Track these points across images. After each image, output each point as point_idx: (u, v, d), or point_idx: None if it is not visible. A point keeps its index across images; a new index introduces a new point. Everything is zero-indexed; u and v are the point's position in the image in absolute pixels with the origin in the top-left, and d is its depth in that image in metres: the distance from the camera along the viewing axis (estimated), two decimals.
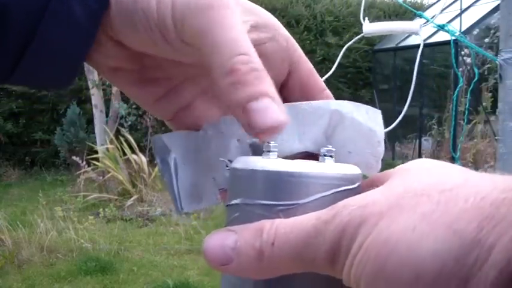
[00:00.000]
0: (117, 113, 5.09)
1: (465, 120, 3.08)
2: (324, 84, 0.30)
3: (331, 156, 0.25)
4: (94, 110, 5.02)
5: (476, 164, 4.76)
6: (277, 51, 0.28)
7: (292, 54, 0.28)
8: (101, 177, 4.78)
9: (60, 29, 0.24)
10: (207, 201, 0.28)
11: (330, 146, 0.25)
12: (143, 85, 0.29)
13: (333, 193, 0.23)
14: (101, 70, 0.29)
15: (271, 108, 0.22)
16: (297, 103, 0.28)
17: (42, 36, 0.24)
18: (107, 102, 5.25)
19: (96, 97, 4.95)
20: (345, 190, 0.23)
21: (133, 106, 6.09)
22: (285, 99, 0.29)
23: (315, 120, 0.27)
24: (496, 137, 2.29)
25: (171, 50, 0.25)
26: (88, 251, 3.40)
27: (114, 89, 5.05)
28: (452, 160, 4.70)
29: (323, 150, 0.25)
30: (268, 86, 0.22)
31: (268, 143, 0.25)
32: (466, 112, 3.41)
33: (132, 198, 4.50)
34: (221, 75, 0.22)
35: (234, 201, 0.24)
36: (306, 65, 0.29)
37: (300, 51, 0.29)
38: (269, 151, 0.24)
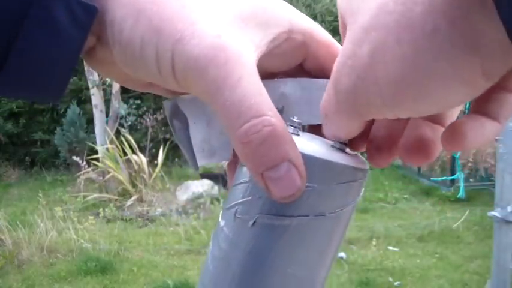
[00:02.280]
0: (117, 113, 5.09)
1: None
2: None
3: (346, 144, 0.25)
4: (94, 110, 5.02)
5: (476, 164, 4.76)
6: (293, 48, 0.26)
7: (309, 45, 0.27)
8: (101, 178, 4.77)
9: (41, 37, 0.22)
10: (220, 157, 0.28)
11: None
12: (150, 88, 0.28)
13: (348, 183, 0.24)
14: (99, 71, 0.28)
15: (288, 176, 0.21)
16: (313, 79, 0.28)
17: (22, 46, 0.22)
18: (107, 102, 5.25)
19: (96, 97, 4.95)
20: (359, 183, 0.25)
21: (133, 106, 6.09)
22: (303, 71, 0.28)
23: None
24: (496, 137, 2.28)
25: (176, 88, 0.24)
26: (88, 251, 3.39)
27: (114, 89, 5.04)
28: (453, 160, 4.70)
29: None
30: (284, 148, 0.21)
31: (293, 118, 0.25)
32: (466, 112, 3.40)
33: (132, 199, 4.50)
34: (234, 143, 0.22)
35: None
36: (324, 49, 0.27)
37: (318, 37, 0.27)
38: (295, 126, 0.25)
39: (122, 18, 0.23)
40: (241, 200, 0.25)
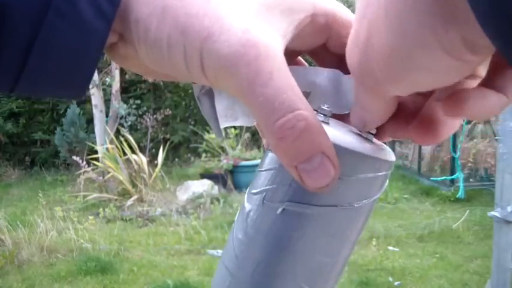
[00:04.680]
0: (117, 113, 5.09)
1: (465, 120, 3.08)
2: None
3: (373, 134, 0.26)
4: (94, 110, 5.02)
5: (476, 164, 4.75)
6: (316, 30, 0.26)
7: (331, 26, 0.26)
8: (101, 177, 4.77)
9: (65, 30, 0.22)
10: (243, 121, 0.28)
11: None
12: (174, 78, 0.28)
13: (375, 174, 0.25)
14: (121, 65, 0.27)
15: (322, 168, 0.22)
16: (336, 70, 0.28)
17: (45, 39, 0.21)
18: (107, 102, 5.25)
19: (96, 97, 4.95)
20: (385, 174, 0.25)
21: (133, 106, 6.09)
22: (326, 50, 0.28)
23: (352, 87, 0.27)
24: (496, 137, 2.29)
25: (206, 84, 0.24)
26: (88, 251, 3.39)
27: (114, 89, 5.05)
28: (453, 160, 4.70)
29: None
30: (317, 140, 0.22)
31: (323, 105, 0.25)
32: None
33: (132, 199, 4.50)
34: (270, 139, 0.22)
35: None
36: (347, 29, 0.27)
37: (340, 17, 0.26)
38: (325, 114, 0.25)
39: (147, 17, 0.22)
40: (270, 187, 0.25)
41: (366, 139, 0.25)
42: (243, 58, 0.21)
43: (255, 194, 0.26)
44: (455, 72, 0.18)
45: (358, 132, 0.26)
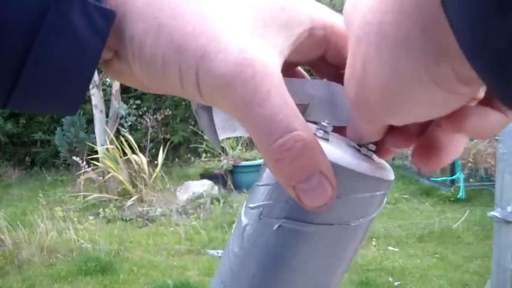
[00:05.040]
0: (117, 113, 5.09)
1: None
2: None
3: (373, 151, 0.26)
4: (94, 110, 5.02)
5: (476, 164, 4.75)
6: (314, 43, 0.26)
7: (329, 38, 0.26)
8: (101, 178, 4.78)
9: (59, 46, 0.21)
10: (241, 132, 0.28)
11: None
12: (169, 92, 0.28)
13: (373, 193, 0.25)
14: (116, 80, 0.27)
15: (320, 187, 0.22)
16: (338, 84, 0.28)
17: (39, 54, 0.21)
18: (107, 102, 5.25)
19: (96, 97, 4.95)
20: (383, 194, 0.25)
21: (133, 106, 6.09)
22: (324, 61, 0.28)
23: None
24: (496, 137, 2.29)
25: (201, 101, 0.24)
26: (88, 251, 3.39)
27: (114, 89, 5.05)
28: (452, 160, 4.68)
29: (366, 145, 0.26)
30: (315, 160, 0.21)
31: (324, 121, 0.25)
32: None
33: (132, 199, 4.50)
34: (267, 159, 0.22)
35: None
36: (345, 41, 0.26)
37: (338, 30, 0.26)
38: (325, 131, 0.25)
39: (142, 34, 0.22)
40: (267, 202, 0.25)
41: (366, 156, 0.25)
42: (240, 77, 0.20)
43: (252, 208, 0.26)
44: (449, 104, 0.19)
45: (358, 147, 0.25)
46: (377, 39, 0.18)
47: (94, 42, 0.22)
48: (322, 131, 0.25)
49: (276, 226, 0.24)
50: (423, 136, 0.25)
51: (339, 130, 0.27)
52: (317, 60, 0.28)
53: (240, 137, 5.38)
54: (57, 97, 0.23)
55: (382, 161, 0.27)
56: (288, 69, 0.25)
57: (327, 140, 0.25)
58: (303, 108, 0.22)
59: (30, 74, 0.21)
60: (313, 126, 0.25)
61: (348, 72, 0.21)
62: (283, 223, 0.24)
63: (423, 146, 0.24)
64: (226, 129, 0.28)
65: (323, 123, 0.25)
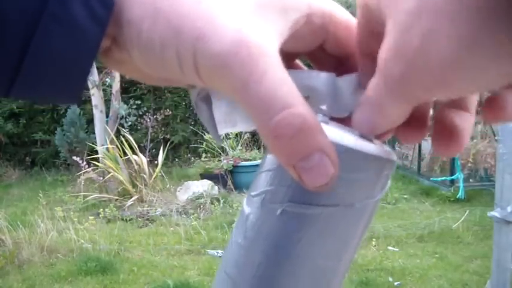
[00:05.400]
0: (117, 113, 5.10)
1: None
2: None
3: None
4: (94, 110, 5.02)
5: (476, 164, 4.76)
6: (312, 31, 0.26)
7: (328, 27, 0.26)
8: (101, 178, 4.78)
9: (59, 34, 0.21)
10: (242, 127, 0.28)
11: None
12: (169, 83, 0.28)
13: (377, 173, 0.25)
14: (116, 70, 0.27)
15: (321, 165, 0.21)
16: (333, 74, 0.27)
17: (40, 43, 0.21)
18: (107, 102, 5.25)
19: (96, 97, 4.95)
20: (387, 174, 0.25)
21: (134, 106, 6.09)
22: (323, 52, 0.28)
23: (350, 90, 0.27)
24: (496, 137, 2.29)
25: (201, 85, 0.24)
26: (88, 251, 3.40)
27: (114, 89, 5.05)
28: (452, 160, 4.70)
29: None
30: (315, 137, 0.21)
31: (322, 106, 0.25)
32: None
33: (132, 199, 4.51)
34: (266, 138, 0.21)
35: None
36: (344, 30, 0.27)
37: (337, 18, 0.26)
38: (324, 114, 0.25)
39: (139, 19, 0.22)
40: (269, 188, 0.24)
41: (367, 138, 0.25)
42: (236, 57, 0.20)
43: (254, 196, 0.25)
44: (509, 77, 0.18)
45: (358, 132, 0.25)
46: (452, 10, 0.17)
47: (94, 31, 0.22)
48: (321, 115, 0.25)
49: (279, 211, 0.24)
50: (438, 123, 0.25)
51: (340, 123, 0.27)
52: (315, 51, 0.28)
53: (240, 137, 5.38)
54: (59, 85, 0.23)
55: (382, 143, 0.27)
56: (287, 62, 0.25)
57: (326, 123, 0.24)
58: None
59: (31, 63, 0.21)
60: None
61: (390, 53, 0.20)
62: (287, 207, 0.24)
63: (441, 133, 0.24)
64: (228, 123, 0.27)
65: (322, 107, 0.25)
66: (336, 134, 0.23)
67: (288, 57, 0.27)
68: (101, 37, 0.22)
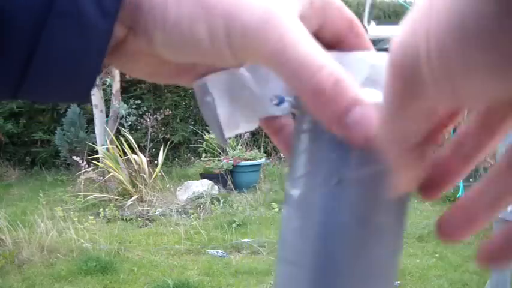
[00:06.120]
0: (117, 113, 5.10)
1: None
2: (360, 30, 0.28)
3: None
4: (94, 110, 5.03)
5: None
6: (313, 14, 0.26)
7: (326, 11, 0.27)
8: (101, 177, 4.78)
9: (67, 31, 0.21)
10: (244, 127, 0.29)
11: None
12: (178, 77, 0.28)
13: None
14: (124, 67, 0.27)
15: (365, 117, 0.21)
16: (340, 53, 0.27)
17: (48, 42, 0.21)
18: (107, 102, 5.25)
19: (96, 97, 4.95)
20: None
21: (134, 106, 6.10)
22: (317, 38, 0.28)
23: (355, 72, 0.26)
24: None
25: (229, 59, 0.24)
26: (88, 251, 3.40)
27: (114, 89, 5.05)
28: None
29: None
30: (354, 91, 0.22)
31: None
32: (466, 112, 3.41)
33: (132, 198, 4.51)
34: (307, 99, 0.22)
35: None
36: (339, 15, 0.27)
37: (334, 5, 0.27)
38: None
39: (163, 2, 0.22)
40: (314, 164, 0.24)
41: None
42: (270, 23, 0.22)
43: (299, 177, 0.25)
44: None
45: None
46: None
47: (103, 25, 0.22)
48: None
49: (334, 181, 0.24)
50: (430, 169, 0.23)
51: None
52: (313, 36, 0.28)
53: (240, 137, 5.38)
54: (68, 83, 0.23)
55: None
56: None
57: None
58: None
59: (40, 60, 0.21)
60: None
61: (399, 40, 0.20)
62: (341, 175, 0.23)
63: (431, 178, 0.24)
64: (231, 125, 0.28)
65: None
66: (368, 94, 0.23)
67: None
68: (110, 30, 0.22)
